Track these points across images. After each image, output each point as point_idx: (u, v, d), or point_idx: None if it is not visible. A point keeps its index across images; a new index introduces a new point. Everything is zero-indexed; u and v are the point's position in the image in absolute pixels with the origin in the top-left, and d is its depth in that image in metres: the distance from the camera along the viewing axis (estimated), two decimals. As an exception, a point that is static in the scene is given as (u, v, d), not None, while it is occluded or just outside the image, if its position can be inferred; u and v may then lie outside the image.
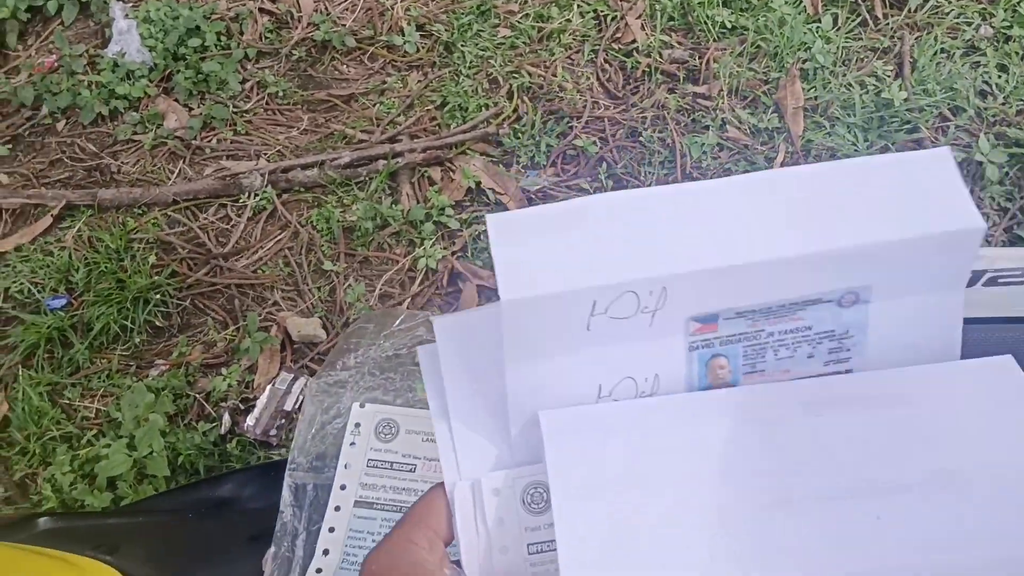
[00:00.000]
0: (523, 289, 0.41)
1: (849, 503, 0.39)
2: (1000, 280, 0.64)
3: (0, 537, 0.56)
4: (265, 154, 1.79)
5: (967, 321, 0.48)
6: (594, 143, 1.74)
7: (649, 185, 1.57)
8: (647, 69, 1.84)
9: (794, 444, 0.42)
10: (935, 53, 1.81)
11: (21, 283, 1.64)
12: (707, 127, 1.76)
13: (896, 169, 0.45)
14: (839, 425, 0.42)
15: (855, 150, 1.70)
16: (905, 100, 1.74)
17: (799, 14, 1.88)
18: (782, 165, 1.71)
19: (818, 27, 1.87)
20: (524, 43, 1.91)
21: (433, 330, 0.45)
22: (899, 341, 0.47)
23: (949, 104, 1.74)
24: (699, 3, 1.90)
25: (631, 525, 0.39)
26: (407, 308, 1.52)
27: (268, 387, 1.47)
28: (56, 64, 1.93)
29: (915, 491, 0.39)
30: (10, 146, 1.83)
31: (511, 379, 0.43)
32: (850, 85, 1.79)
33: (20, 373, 1.55)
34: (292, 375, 1.49)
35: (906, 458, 0.40)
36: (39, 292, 1.63)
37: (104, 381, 1.54)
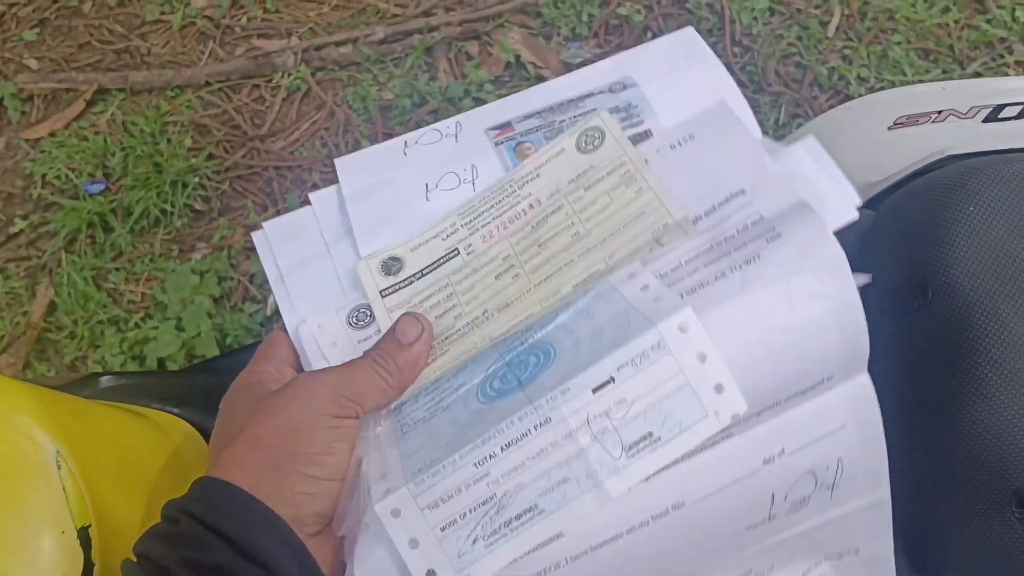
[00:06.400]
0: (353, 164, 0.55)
1: None
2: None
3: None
4: (296, 32, 1.73)
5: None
6: (638, 11, 1.66)
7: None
8: (694, -69, 1.74)
9: None
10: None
11: (58, 168, 1.62)
12: (758, -9, 1.67)
13: None
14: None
15: (914, 12, 1.61)
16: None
17: None
18: (837, 30, 1.62)
19: None
20: (562, -93, 1.81)
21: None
22: (681, 101, 0.53)
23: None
24: None
25: None
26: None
27: (311, 268, 1.46)
28: (77, -57, 1.86)
29: None
30: (37, 30, 1.79)
31: (354, 216, 0.52)
32: (911, -57, 1.68)
33: (64, 258, 1.55)
34: (335, 256, 1.47)
35: None
36: (77, 177, 1.61)
37: (148, 265, 1.53)
